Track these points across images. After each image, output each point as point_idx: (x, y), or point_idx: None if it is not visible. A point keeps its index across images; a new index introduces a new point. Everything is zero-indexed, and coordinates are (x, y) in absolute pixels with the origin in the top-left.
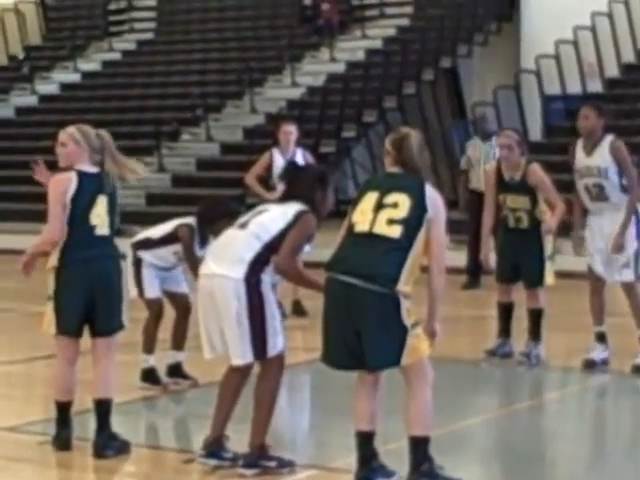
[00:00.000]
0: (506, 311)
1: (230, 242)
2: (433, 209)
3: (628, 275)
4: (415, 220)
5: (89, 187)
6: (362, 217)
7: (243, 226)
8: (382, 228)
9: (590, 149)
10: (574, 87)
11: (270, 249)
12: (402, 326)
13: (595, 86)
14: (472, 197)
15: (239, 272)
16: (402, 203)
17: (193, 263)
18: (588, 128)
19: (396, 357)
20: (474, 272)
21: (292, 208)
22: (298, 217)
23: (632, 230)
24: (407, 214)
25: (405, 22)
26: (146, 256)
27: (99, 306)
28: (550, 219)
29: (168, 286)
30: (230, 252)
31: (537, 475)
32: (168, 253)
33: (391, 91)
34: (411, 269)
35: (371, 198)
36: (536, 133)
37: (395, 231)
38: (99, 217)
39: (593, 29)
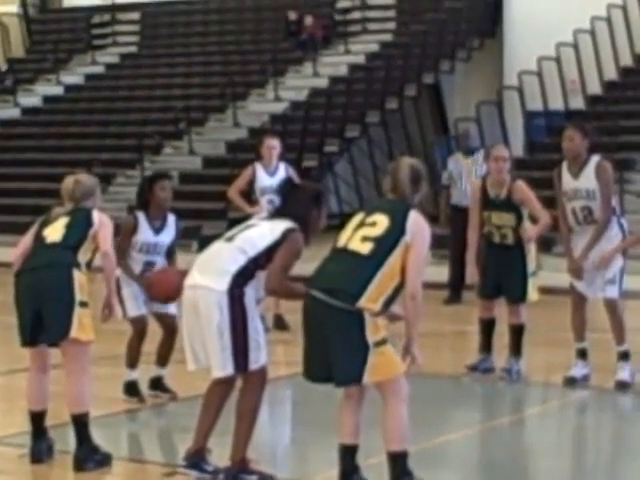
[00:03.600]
0: (487, 327)
1: (215, 255)
2: (413, 235)
3: (612, 292)
4: (390, 240)
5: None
6: (343, 234)
7: (230, 240)
8: (355, 244)
9: (577, 171)
10: (556, 103)
11: (255, 264)
12: (364, 343)
13: (577, 103)
14: (454, 213)
15: (223, 284)
16: (380, 223)
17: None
18: (574, 150)
19: (358, 374)
20: (455, 287)
21: (280, 225)
22: (286, 235)
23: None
24: (382, 233)
25: (388, 38)
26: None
27: (44, 315)
28: (531, 229)
29: (154, 307)
30: (215, 264)
31: None
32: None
33: (374, 106)
34: (379, 287)
35: (357, 218)
36: (518, 149)
37: (366, 248)
38: (54, 229)
39: (575, 46)
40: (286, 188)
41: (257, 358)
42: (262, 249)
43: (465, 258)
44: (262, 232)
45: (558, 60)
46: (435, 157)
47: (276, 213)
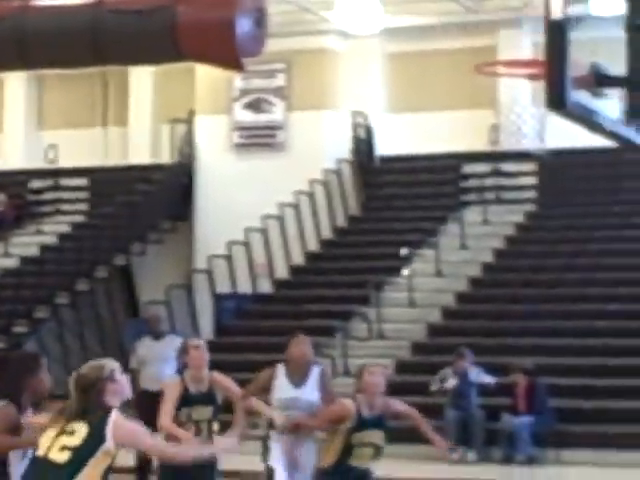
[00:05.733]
0: None
1: None
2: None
3: None
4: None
5: None
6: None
7: None
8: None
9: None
10: (245, 287)
11: None
12: None
13: (265, 287)
14: (142, 397)
15: None
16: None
17: None
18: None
19: None
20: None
21: None
22: None
23: None
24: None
25: (80, 219)
26: None
27: None
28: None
29: None
30: None
31: None
32: None
33: (65, 287)
34: None
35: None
36: (208, 332)
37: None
38: None
39: (264, 231)
40: None
41: None
42: None
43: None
44: None
45: (247, 244)
46: (125, 340)
47: None
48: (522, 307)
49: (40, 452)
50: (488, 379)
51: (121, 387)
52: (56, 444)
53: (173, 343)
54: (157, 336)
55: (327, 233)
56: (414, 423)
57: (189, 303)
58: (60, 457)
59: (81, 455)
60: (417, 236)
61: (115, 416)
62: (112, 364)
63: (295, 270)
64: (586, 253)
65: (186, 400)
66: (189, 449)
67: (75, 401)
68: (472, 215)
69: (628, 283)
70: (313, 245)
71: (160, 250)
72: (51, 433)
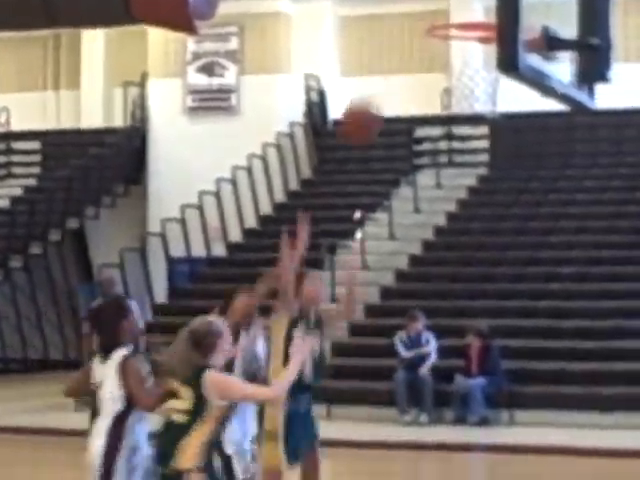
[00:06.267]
0: None
1: None
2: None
3: None
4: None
5: None
6: None
7: None
8: None
9: None
10: (199, 250)
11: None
12: None
13: (219, 250)
14: None
15: None
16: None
17: None
18: None
19: None
20: None
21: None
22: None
23: None
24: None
25: (32, 182)
26: None
27: None
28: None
29: None
30: None
31: None
32: None
33: (18, 250)
34: None
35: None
36: (161, 296)
37: None
38: None
39: (217, 194)
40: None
41: None
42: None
43: None
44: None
45: (200, 208)
46: (79, 303)
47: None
48: (475, 270)
49: (157, 414)
50: (429, 348)
51: (228, 344)
52: (170, 406)
53: None
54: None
55: (280, 196)
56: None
57: (143, 266)
58: (176, 418)
59: (193, 415)
60: (370, 199)
61: (211, 373)
62: (220, 321)
63: (249, 233)
64: (538, 216)
65: None
66: (280, 383)
67: (182, 358)
68: (425, 178)
69: (580, 246)
70: (266, 208)
71: (113, 214)
72: (167, 396)
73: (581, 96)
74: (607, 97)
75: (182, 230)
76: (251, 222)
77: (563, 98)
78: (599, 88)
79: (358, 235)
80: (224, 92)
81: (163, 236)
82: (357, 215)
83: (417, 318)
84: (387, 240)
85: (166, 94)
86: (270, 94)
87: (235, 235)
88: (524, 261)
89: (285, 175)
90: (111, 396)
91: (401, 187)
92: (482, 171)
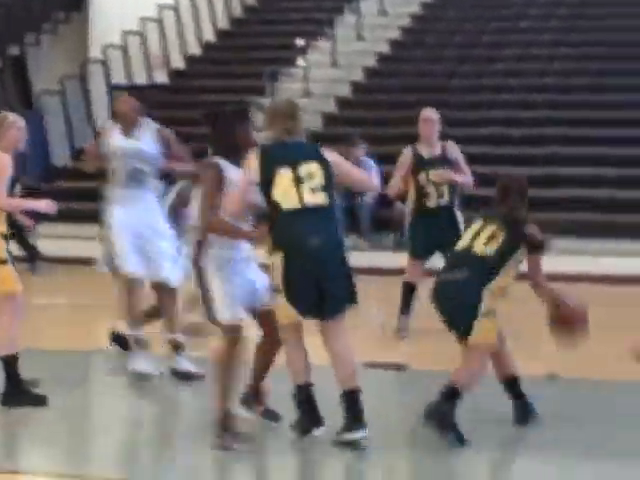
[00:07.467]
0: (410, 291)
1: None
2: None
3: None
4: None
5: None
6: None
7: None
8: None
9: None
10: (141, 78)
11: None
12: None
13: (161, 77)
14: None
15: None
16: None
17: None
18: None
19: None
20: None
21: None
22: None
23: None
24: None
25: None
26: None
27: None
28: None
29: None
30: None
31: None
32: None
33: None
34: None
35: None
36: (103, 122)
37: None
38: None
39: (159, 21)
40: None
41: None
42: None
43: None
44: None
45: (142, 34)
46: None
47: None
48: (417, 97)
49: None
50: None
51: None
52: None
53: None
54: None
55: (223, 23)
56: None
57: (83, 94)
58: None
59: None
60: (313, 27)
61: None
62: None
63: (191, 60)
64: (481, 44)
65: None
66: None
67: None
68: (368, 5)
69: (520, 74)
70: (209, 35)
71: (54, 40)
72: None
73: None
74: None
75: (123, 57)
76: (193, 49)
77: None
78: None
79: (300, 62)
80: None
81: (104, 62)
82: (300, 42)
83: (357, 144)
84: (330, 67)
85: None
86: None
87: (177, 62)
88: (465, 89)
89: (228, 1)
90: None
91: (344, 14)
92: None
